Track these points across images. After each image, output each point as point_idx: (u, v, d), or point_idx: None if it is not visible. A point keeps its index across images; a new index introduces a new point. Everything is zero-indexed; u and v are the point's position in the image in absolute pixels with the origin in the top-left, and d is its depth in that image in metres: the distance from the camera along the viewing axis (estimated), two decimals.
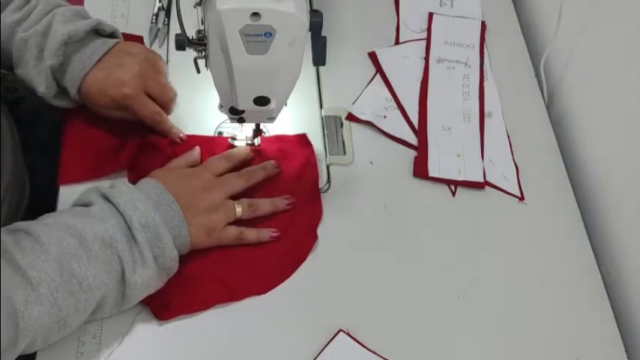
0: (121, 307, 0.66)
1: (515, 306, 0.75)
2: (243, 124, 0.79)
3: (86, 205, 0.67)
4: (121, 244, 0.63)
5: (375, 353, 0.69)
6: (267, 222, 0.76)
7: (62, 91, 0.77)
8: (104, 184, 0.70)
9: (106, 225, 0.63)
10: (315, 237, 0.76)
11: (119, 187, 0.67)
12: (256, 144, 0.81)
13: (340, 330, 0.70)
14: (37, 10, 0.74)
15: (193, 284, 0.71)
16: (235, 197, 0.75)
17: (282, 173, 0.80)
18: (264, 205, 0.76)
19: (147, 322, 0.68)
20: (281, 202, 0.77)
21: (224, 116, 0.84)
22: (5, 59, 0.78)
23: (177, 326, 0.69)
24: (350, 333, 0.70)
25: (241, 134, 0.81)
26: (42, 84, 0.74)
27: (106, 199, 0.66)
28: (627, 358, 0.74)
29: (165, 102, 0.78)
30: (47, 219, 0.64)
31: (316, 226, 0.77)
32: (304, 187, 0.80)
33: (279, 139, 0.83)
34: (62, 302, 0.60)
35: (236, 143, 0.81)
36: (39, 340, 0.60)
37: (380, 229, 0.79)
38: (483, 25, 0.99)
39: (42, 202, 0.80)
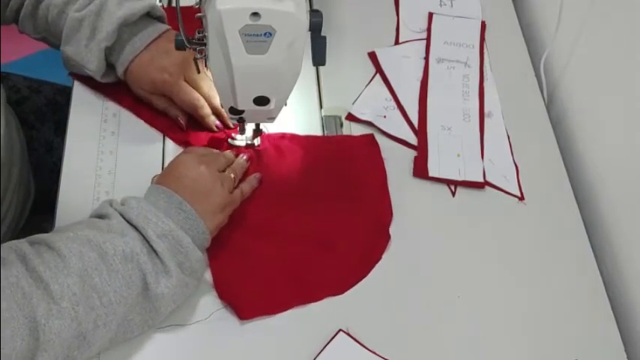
0: (151, 322, 0.65)
1: (514, 306, 0.75)
2: (243, 130, 0.80)
3: (102, 217, 0.66)
4: (143, 256, 0.63)
5: (375, 353, 0.69)
6: (337, 224, 0.77)
7: (109, 68, 0.78)
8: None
9: (126, 239, 0.63)
10: (388, 236, 0.77)
11: (129, 202, 0.66)
12: (256, 144, 0.81)
13: (340, 330, 0.70)
14: None
15: (272, 286, 0.72)
16: (294, 198, 0.78)
17: (349, 173, 0.81)
18: (240, 168, 0.77)
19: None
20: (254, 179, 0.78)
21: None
22: (53, 37, 0.79)
23: (176, 326, 0.69)
24: (350, 333, 0.70)
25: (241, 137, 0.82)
26: (93, 62, 0.76)
27: (120, 214, 0.65)
28: (627, 358, 0.74)
29: (204, 92, 0.79)
30: (68, 232, 0.63)
31: (388, 225, 0.77)
32: (372, 188, 0.80)
33: (345, 139, 0.83)
34: (82, 316, 0.59)
35: (236, 143, 0.81)
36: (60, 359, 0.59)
37: None
38: (483, 25, 0.99)
39: (45, 202, 0.80)
